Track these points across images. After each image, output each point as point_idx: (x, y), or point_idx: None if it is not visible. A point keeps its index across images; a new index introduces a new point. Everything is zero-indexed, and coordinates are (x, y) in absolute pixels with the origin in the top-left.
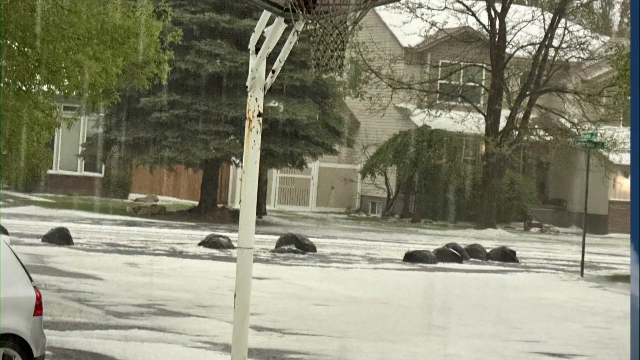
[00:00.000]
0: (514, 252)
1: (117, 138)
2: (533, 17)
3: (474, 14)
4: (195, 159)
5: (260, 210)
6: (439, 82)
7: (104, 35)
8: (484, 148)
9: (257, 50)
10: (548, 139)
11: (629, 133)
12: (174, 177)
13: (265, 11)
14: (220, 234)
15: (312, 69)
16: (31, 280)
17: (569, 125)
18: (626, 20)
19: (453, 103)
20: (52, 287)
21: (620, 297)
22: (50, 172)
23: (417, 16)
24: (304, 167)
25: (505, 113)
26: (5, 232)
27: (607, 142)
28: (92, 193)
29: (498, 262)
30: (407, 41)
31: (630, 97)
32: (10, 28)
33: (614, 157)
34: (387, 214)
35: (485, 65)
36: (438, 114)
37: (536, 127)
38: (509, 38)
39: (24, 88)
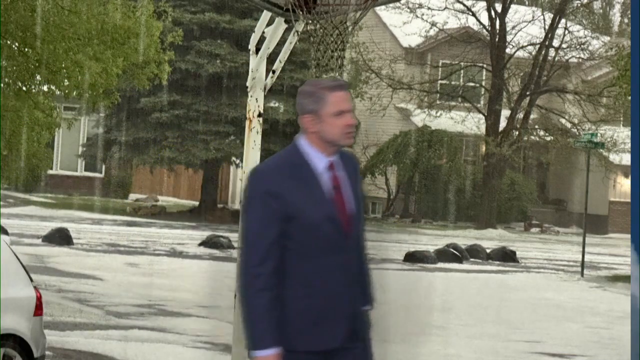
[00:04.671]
0: (514, 252)
1: (117, 138)
2: (533, 17)
3: (474, 14)
4: (195, 159)
5: None
6: (439, 82)
7: (104, 35)
8: (484, 148)
9: (257, 50)
10: (548, 139)
11: (629, 133)
12: (174, 177)
13: (265, 11)
14: (220, 234)
15: (312, 69)
16: (31, 280)
17: (569, 125)
18: (626, 20)
19: (453, 103)
20: (52, 287)
21: (620, 297)
22: (50, 172)
23: (417, 16)
24: None
25: (505, 113)
26: (5, 232)
27: (607, 142)
28: (92, 193)
29: (498, 262)
30: (407, 41)
31: (630, 97)
32: (10, 28)
33: (614, 157)
34: (387, 214)
35: (485, 65)
36: (438, 114)
37: (536, 127)
38: (509, 38)
39: (24, 88)
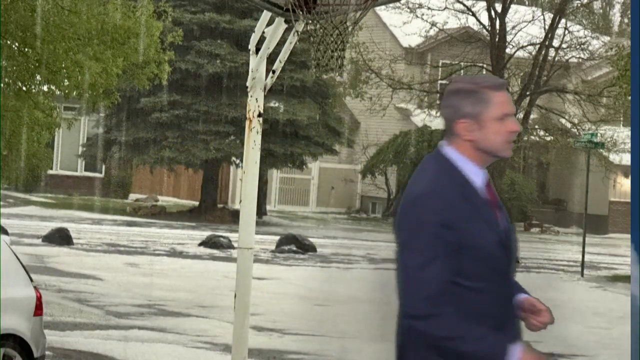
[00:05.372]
0: None
1: (117, 138)
2: (533, 17)
3: (474, 14)
4: (195, 159)
5: (260, 210)
6: (439, 82)
7: (104, 35)
8: None
9: (257, 50)
10: (548, 139)
11: (629, 133)
12: (174, 177)
13: (265, 11)
14: (220, 234)
15: (312, 69)
16: (31, 280)
17: (569, 125)
18: (626, 20)
19: None
20: (52, 287)
21: (620, 297)
22: (50, 172)
23: (417, 16)
24: (304, 167)
25: None
26: (5, 232)
27: (607, 142)
28: (92, 193)
29: None
30: (407, 41)
31: (630, 97)
32: (10, 28)
33: (614, 157)
34: (387, 214)
35: (485, 65)
36: (438, 114)
37: (536, 127)
38: (509, 38)
39: (24, 88)
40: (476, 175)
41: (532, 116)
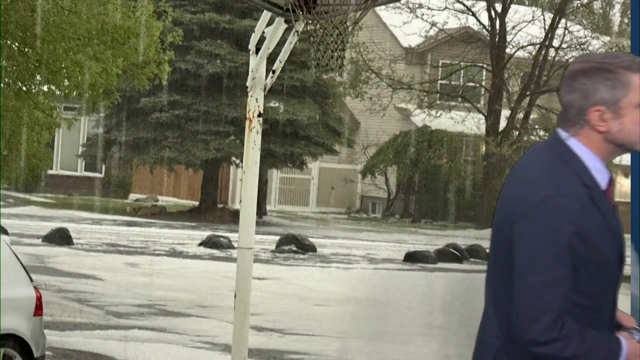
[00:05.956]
0: None
1: (117, 138)
2: (533, 17)
3: (474, 14)
4: (195, 159)
5: (260, 210)
6: (439, 82)
7: (104, 35)
8: (484, 148)
9: (257, 50)
10: None
11: None
12: (174, 177)
13: (265, 11)
14: (220, 234)
15: (312, 69)
16: (31, 280)
17: None
18: (626, 20)
19: (453, 103)
20: (52, 287)
21: (620, 297)
22: (50, 172)
23: (417, 16)
24: (304, 167)
25: (505, 113)
26: (5, 232)
27: None
28: (92, 193)
29: None
30: (407, 41)
31: None
32: (10, 28)
33: None
34: (387, 214)
35: (485, 65)
36: (438, 114)
37: (536, 127)
38: (509, 38)
39: (24, 88)
40: (602, 176)
41: (532, 116)
